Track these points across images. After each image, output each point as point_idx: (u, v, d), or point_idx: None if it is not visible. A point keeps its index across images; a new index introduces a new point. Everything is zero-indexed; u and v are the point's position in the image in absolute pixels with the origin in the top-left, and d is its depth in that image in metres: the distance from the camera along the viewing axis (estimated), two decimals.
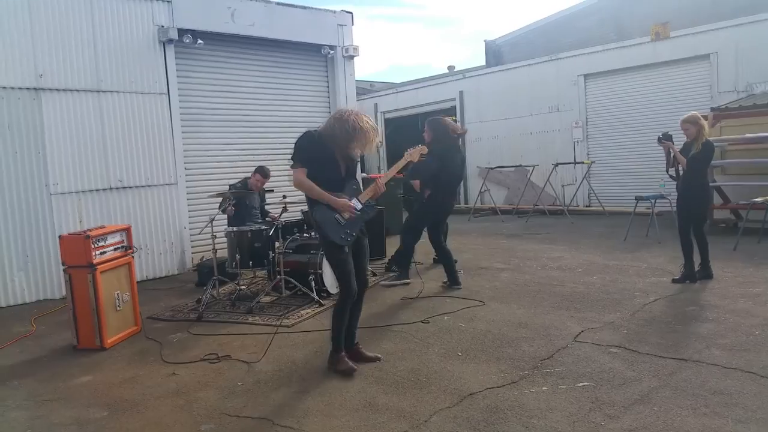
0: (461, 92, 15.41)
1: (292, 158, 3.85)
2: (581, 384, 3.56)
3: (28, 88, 6.67)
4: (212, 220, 6.11)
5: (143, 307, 5.50)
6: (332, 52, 9.55)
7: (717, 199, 9.05)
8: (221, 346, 4.66)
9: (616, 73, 12.43)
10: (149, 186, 7.69)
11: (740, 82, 10.63)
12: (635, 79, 12.14)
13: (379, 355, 4.17)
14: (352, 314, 4.02)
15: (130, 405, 3.64)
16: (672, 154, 5.95)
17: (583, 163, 12.59)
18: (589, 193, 12.70)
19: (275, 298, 6.05)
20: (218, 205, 6.43)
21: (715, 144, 6.31)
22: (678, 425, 3.00)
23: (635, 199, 9.00)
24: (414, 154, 4.26)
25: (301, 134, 3.90)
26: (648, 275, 6.33)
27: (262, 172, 7.04)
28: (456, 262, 6.54)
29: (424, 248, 6.85)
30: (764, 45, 10.23)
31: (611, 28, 14.03)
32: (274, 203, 7.28)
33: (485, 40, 17.76)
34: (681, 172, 6.01)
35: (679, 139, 6.05)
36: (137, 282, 5.43)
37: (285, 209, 6.23)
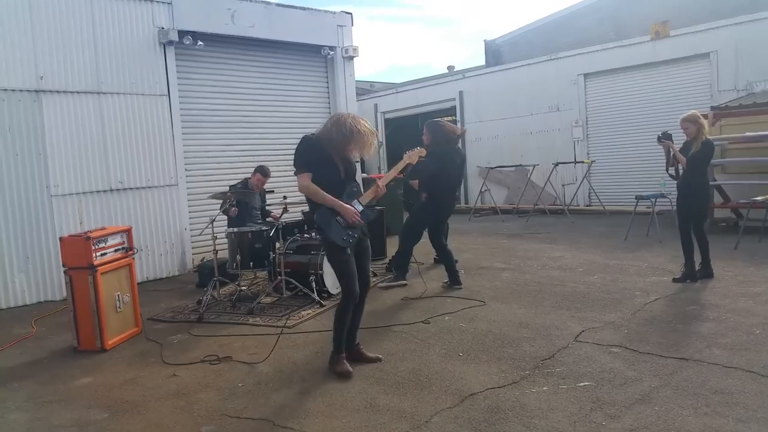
0: (461, 92, 15.41)
1: (294, 165, 3.86)
2: (582, 384, 3.56)
3: (28, 90, 6.68)
4: (213, 221, 6.12)
5: (144, 308, 5.51)
6: (332, 52, 9.55)
7: (717, 198, 9.05)
8: (222, 348, 4.66)
9: (615, 73, 12.43)
10: (150, 187, 7.69)
11: (740, 80, 10.63)
12: (635, 78, 12.14)
13: (380, 356, 4.17)
14: (354, 315, 4.01)
15: (130, 406, 3.64)
16: (672, 153, 5.95)
17: (583, 162, 12.60)
18: (589, 193, 12.70)
19: (276, 299, 6.05)
20: (219, 206, 6.42)
21: (715, 143, 6.32)
22: (679, 425, 3.00)
23: (636, 199, 9.00)
24: (413, 156, 4.30)
25: (300, 140, 3.91)
26: (649, 274, 6.32)
27: (263, 172, 7.04)
28: (457, 261, 6.54)
29: (424, 248, 6.85)
30: (764, 43, 10.23)
31: (611, 27, 14.02)
32: (274, 204, 7.28)
33: (485, 40, 17.76)
34: (681, 171, 6.01)
35: (679, 138, 6.05)
36: (138, 283, 5.43)
37: (286, 210, 6.24)
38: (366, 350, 4.19)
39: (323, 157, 3.82)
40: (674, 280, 5.91)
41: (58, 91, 6.89)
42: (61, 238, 4.88)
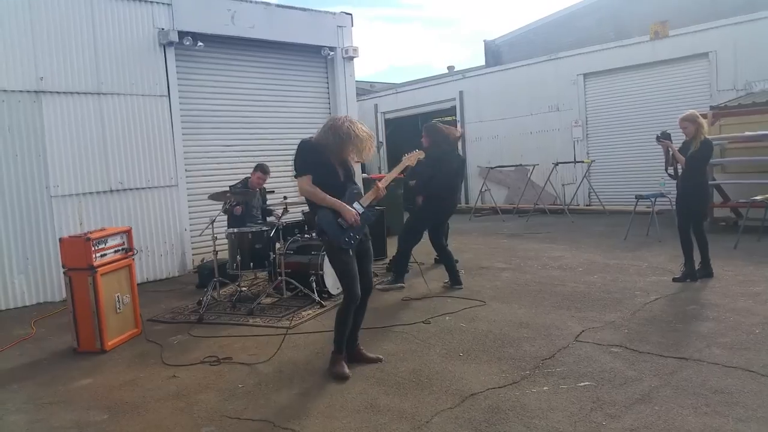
0: (461, 92, 15.42)
1: (295, 168, 3.87)
2: (582, 384, 3.56)
3: (28, 91, 6.68)
4: (213, 221, 6.12)
5: (144, 309, 5.50)
6: (332, 53, 9.56)
7: (717, 198, 9.05)
8: (222, 348, 4.66)
9: (615, 72, 12.44)
10: (150, 188, 7.69)
11: (739, 80, 10.63)
12: (634, 78, 12.15)
13: (381, 356, 4.17)
14: (356, 317, 4.00)
15: (130, 408, 3.64)
16: (671, 153, 5.95)
17: (583, 162, 12.60)
18: (589, 192, 12.70)
19: (276, 299, 6.05)
20: (222, 205, 6.41)
21: (714, 142, 6.33)
22: (679, 424, 3.00)
23: (635, 198, 9.00)
24: (411, 158, 4.35)
25: (299, 144, 3.92)
26: (648, 274, 6.33)
27: (262, 169, 7.04)
28: (457, 261, 6.55)
29: (424, 249, 6.85)
30: (763, 43, 10.23)
31: (610, 27, 14.03)
32: (274, 204, 7.28)
33: (484, 40, 17.79)
34: (680, 171, 6.01)
35: (678, 138, 6.05)
36: (137, 284, 5.43)
37: (286, 210, 6.24)
38: (366, 351, 4.18)
39: (322, 160, 3.83)
40: (674, 280, 5.91)
41: (58, 92, 6.89)
42: (60, 239, 4.88)
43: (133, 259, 5.27)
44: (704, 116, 6.50)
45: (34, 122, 6.72)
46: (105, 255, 4.87)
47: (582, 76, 12.93)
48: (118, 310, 4.97)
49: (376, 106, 17.67)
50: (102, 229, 5.14)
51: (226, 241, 6.22)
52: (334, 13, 9.71)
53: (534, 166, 12.92)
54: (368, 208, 3.94)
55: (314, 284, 5.88)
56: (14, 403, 3.84)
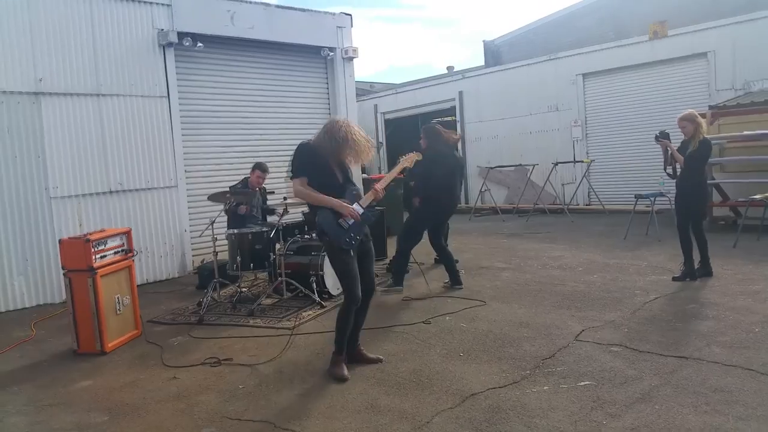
0: (461, 92, 15.42)
1: (291, 171, 3.88)
2: (582, 383, 3.57)
3: (27, 93, 6.67)
4: (213, 222, 6.11)
5: (144, 310, 5.50)
6: (332, 53, 9.55)
7: (716, 197, 9.06)
8: (222, 349, 4.66)
9: (614, 72, 12.44)
10: (149, 189, 7.69)
11: (738, 79, 10.64)
12: (634, 78, 12.15)
13: (381, 357, 4.17)
14: (357, 318, 4.00)
15: (130, 409, 3.64)
16: (669, 152, 5.96)
17: (582, 161, 12.61)
18: (589, 192, 12.71)
19: (276, 300, 6.05)
20: (223, 205, 6.40)
21: (713, 142, 6.33)
22: (679, 423, 3.00)
23: (635, 198, 9.01)
24: (408, 160, 4.36)
25: (297, 147, 3.93)
26: (648, 273, 6.33)
27: (261, 168, 7.04)
28: (457, 261, 6.55)
29: (425, 249, 6.85)
30: (762, 43, 10.24)
31: (610, 27, 14.04)
32: (275, 205, 7.27)
33: (484, 41, 17.81)
34: (679, 170, 6.02)
35: (677, 137, 6.06)
36: (138, 285, 5.44)
37: (286, 211, 6.24)
38: (367, 351, 4.19)
39: (320, 163, 3.84)
40: (674, 279, 5.92)
41: (57, 93, 6.89)
42: (60, 241, 4.88)
43: (133, 260, 5.27)
44: (703, 116, 6.51)
45: (34, 123, 6.72)
46: (105, 256, 4.87)
47: (581, 76, 12.94)
48: (118, 312, 4.96)
49: (375, 106, 17.67)
50: (102, 231, 5.14)
51: (226, 242, 6.22)
52: (334, 14, 9.71)
53: (534, 166, 12.93)
54: (368, 208, 3.95)
55: (314, 285, 5.88)
56: (14, 405, 3.84)
